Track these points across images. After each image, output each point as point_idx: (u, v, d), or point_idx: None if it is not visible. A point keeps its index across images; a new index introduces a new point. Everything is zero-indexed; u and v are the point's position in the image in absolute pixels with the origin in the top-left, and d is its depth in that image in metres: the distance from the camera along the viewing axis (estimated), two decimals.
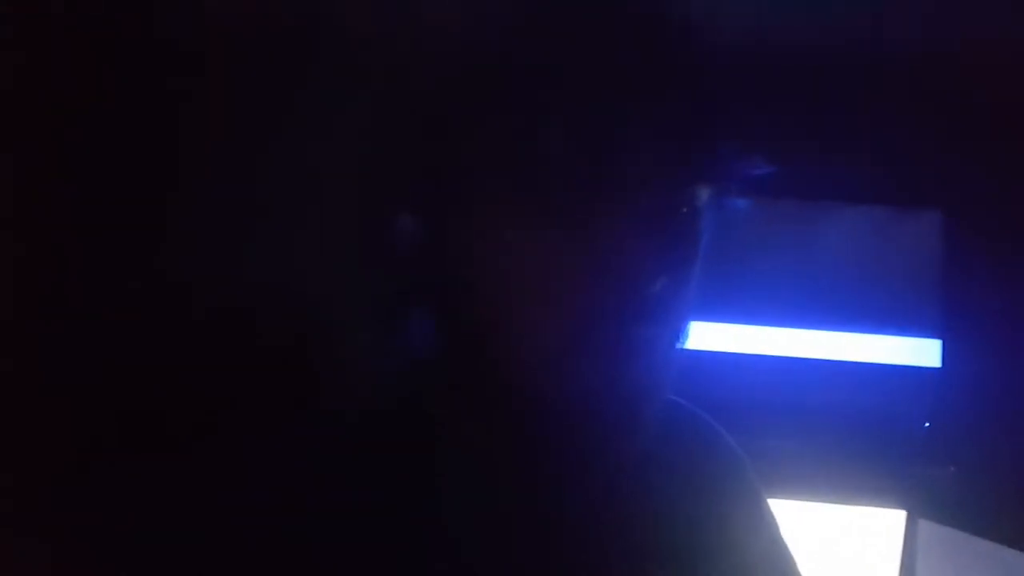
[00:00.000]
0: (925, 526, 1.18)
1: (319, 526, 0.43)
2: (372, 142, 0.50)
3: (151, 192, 0.62)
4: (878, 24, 0.92)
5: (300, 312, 0.63)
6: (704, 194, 0.43)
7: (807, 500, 1.16)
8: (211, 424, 0.57)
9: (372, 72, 0.53)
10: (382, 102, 0.50)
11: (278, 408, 0.55)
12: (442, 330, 0.46)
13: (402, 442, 0.47)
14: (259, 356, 0.62)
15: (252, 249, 0.65)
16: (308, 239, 0.64)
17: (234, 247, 0.65)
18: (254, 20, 0.63)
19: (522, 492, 0.47)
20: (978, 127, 1.07)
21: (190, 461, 0.51)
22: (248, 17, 0.63)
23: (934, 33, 0.94)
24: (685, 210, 0.42)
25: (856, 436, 1.17)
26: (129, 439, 0.60)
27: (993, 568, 1.07)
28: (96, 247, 0.61)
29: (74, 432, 0.59)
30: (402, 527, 0.44)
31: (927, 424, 1.23)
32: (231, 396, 0.60)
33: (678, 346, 0.45)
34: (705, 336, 1.17)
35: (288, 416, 0.52)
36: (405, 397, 0.50)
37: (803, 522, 1.15)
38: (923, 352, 1.21)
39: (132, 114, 0.61)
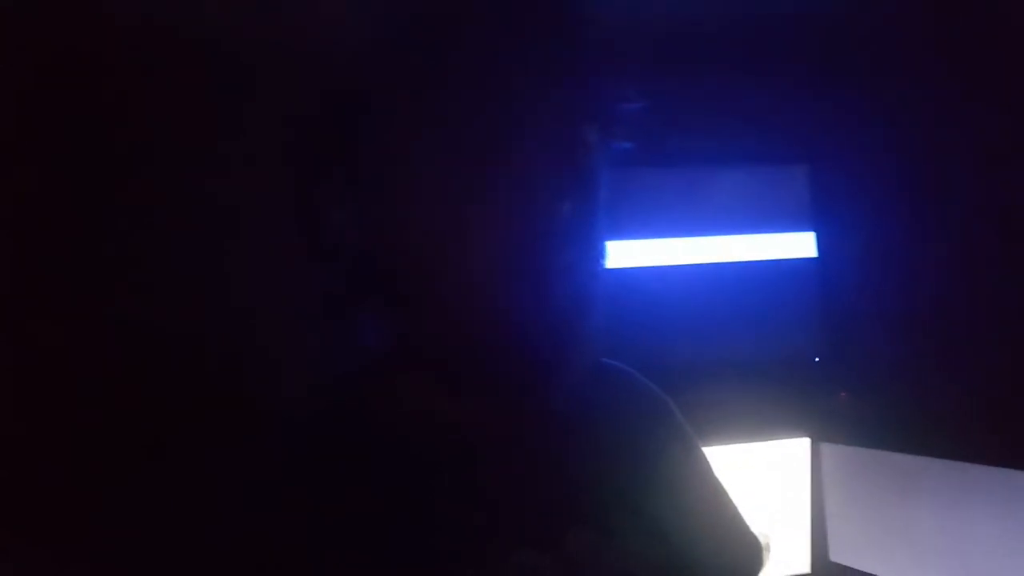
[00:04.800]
0: (827, 448, 1.28)
1: (295, 525, 0.44)
2: (286, 128, 0.51)
3: (87, 199, 0.61)
4: None
5: (243, 319, 0.63)
6: (594, 129, 0.48)
7: (721, 444, 1.25)
8: (174, 434, 0.57)
9: (284, 57, 0.54)
10: (294, 86, 0.51)
11: (235, 415, 0.55)
12: (387, 301, 0.48)
13: (352, 432, 0.49)
14: (209, 364, 0.62)
15: (189, 257, 0.64)
16: (238, 242, 0.64)
17: (171, 255, 0.64)
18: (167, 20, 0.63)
19: (474, 441, 0.49)
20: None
21: (164, 471, 0.51)
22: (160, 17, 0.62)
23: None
24: (580, 143, 0.47)
25: (756, 377, 1.26)
26: (93, 450, 0.58)
27: (890, 473, 1.18)
28: (35, 256, 0.59)
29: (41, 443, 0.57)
30: (370, 513, 0.45)
31: (817, 359, 1.34)
32: (188, 405, 0.60)
33: (598, 274, 0.48)
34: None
35: (248, 422, 0.53)
36: (354, 380, 0.52)
37: (721, 464, 1.22)
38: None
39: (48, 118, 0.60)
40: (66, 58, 0.60)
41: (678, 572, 0.53)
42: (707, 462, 0.64)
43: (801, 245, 1.34)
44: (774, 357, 1.31)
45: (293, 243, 0.61)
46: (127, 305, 0.62)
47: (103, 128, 0.62)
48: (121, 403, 0.60)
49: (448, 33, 0.45)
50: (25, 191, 0.60)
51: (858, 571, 1.24)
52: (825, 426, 1.28)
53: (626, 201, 1.18)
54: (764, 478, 1.28)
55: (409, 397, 0.50)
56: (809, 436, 1.29)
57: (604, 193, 0.49)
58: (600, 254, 0.49)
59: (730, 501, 0.63)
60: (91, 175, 0.63)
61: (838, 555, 1.28)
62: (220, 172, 0.65)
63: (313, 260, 0.53)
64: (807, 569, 1.29)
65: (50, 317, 0.60)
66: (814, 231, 1.34)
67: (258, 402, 0.60)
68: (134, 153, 0.63)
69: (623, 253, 1.27)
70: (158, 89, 0.64)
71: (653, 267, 1.28)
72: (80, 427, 0.59)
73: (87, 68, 0.61)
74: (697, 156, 1.26)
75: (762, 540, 0.66)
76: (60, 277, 0.61)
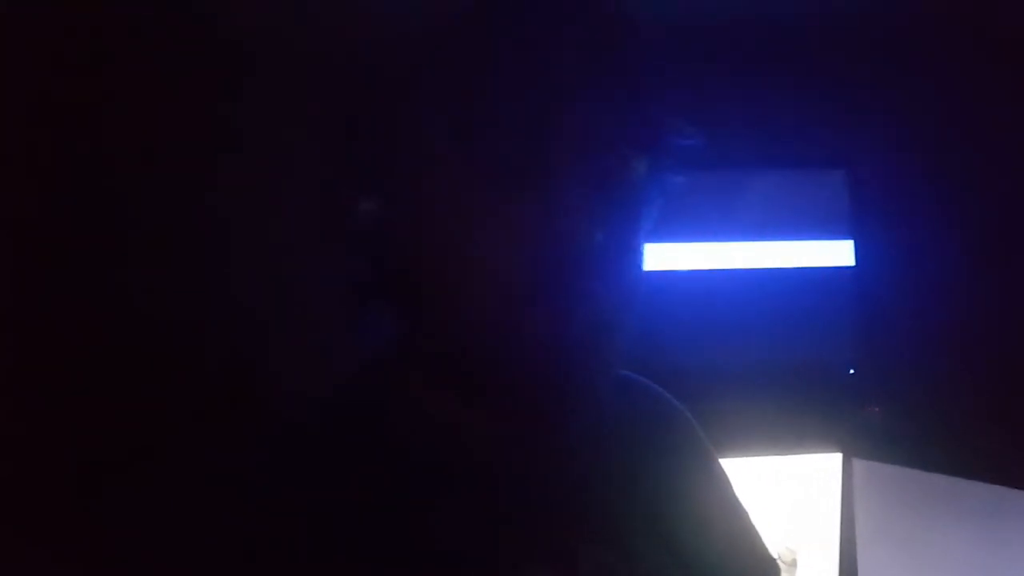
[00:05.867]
0: (859, 464, 1.25)
1: (304, 521, 0.44)
2: (324, 130, 0.51)
3: (89, 195, 0.62)
4: None
5: (261, 318, 0.64)
6: (642, 159, 0.47)
7: (749, 456, 1.22)
8: (180, 431, 0.57)
9: (321, 58, 0.54)
10: (333, 90, 0.51)
11: (247, 410, 0.55)
12: (404, 305, 0.48)
13: (369, 428, 0.48)
14: (222, 363, 0.63)
15: (216, 249, 0.64)
16: (269, 234, 0.64)
17: (197, 248, 0.64)
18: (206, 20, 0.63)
19: (490, 455, 0.49)
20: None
21: (167, 468, 0.51)
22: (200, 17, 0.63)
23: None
24: (625, 172, 0.46)
25: (788, 388, 1.24)
26: (100, 447, 0.59)
27: (924, 494, 1.15)
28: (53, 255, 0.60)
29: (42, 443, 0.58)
30: (379, 511, 0.45)
31: (852, 372, 1.30)
32: (196, 402, 0.60)
33: (630, 305, 0.48)
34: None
35: (261, 421, 0.53)
36: (368, 383, 0.52)
37: (748, 476, 1.20)
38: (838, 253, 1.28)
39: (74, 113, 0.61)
40: (78, 52, 0.61)
41: None
42: (726, 478, 0.63)
43: (838, 253, 1.31)
44: (807, 367, 1.28)
45: (313, 242, 0.61)
46: (136, 301, 0.62)
47: (112, 123, 0.63)
48: (131, 400, 0.61)
49: (493, 41, 0.44)
50: (26, 183, 0.60)
51: None
52: (858, 441, 1.25)
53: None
54: (794, 493, 1.25)
55: (426, 406, 0.50)
56: (841, 451, 1.26)
57: (645, 217, 0.48)
58: (634, 274, 0.48)
59: (747, 519, 0.62)
60: (95, 172, 0.63)
61: (868, 574, 1.25)
62: (233, 169, 0.66)
63: (336, 261, 0.53)
64: None
65: (52, 313, 0.60)
66: (852, 239, 1.31)
67: (271, 402, 0.61)
68: (142, 148, 0.64)
69: (654, 256, 1.26)
70: (172, 82, 0.64)
71: (685, 271, 1.26)
72: (84, 424, 0.60)
73: (104, 62, 0.62)
74: (732, 160, 1.24)
75: (789, 556, 0.65)
76: (62, 273, 0.62)
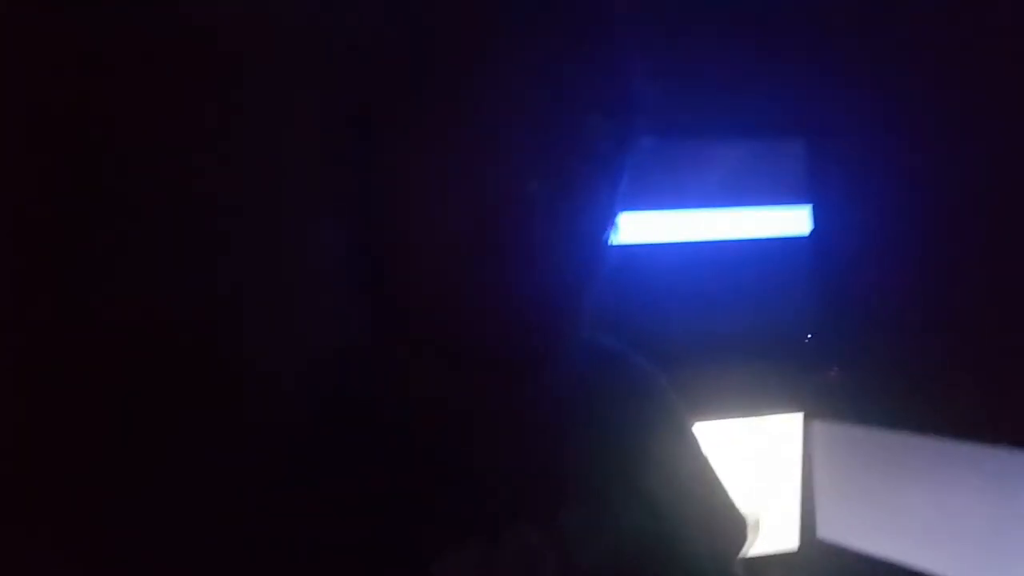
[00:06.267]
0: (818, 425, 1.28)
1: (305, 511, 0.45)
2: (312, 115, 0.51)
3: (86, 194, 0.60)
4: None
5: (245, 301, 0.63)
6: (607, 121, 0.47)
7: (712, 419, 1.24)
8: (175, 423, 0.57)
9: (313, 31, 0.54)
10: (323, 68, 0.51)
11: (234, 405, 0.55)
12: (382, 279, 0.48)
13: (356, 417, 0.49)
14: (208, 349, 0.62)
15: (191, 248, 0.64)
16: (251, 229, 0.64)
17: (172, 247, 0.63)
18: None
19: (470, 415, 0.50)
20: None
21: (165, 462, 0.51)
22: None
23: None
24: (591, 134, 0.46)
25: (750, 353, 1.26)
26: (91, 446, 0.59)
27: (880, 451, 1.18)
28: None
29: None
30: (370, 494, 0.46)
31: (809, 336, 1.33)
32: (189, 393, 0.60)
33: (598, 267, 0.48)
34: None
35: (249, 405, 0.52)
36: (356, 362, 0.52)
37: (711, 439, 1.22)
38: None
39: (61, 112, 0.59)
40: (75, 54, 0.59)
41: (667, 546, 0.54)
42: (697, 440, 0.65)
43: (796, 220, 1.33)
44: (767, 332, 1.30)
45: (297, 227, 0.61)
46: (127, 298, 0.61)
47: (108, 122, 0.62)
48: (123, 397, 0.60)
49: (472, 29, 0.44)
50: (25, 185, 0.59)
51: (846, 548, 1.24)
52: (818, 402, 1.28)
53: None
54: (755, 455, 1.28)
55: (407, 375, 0.51)
56: (802, 411, 1.29)
57: (612, 181, 0.49)
58: (604, 239, 0.49)
59: (718, 478, 0.64)
60: (93, 170, 0.62)
61: (826, 532, 1.28)
62: (225, 163, 0.65)
63: (319, 241, 0.52)
64: (795, 546, 1.29)
65: (49, 313, 0.60)
66: (809, 204, 1.33)
67: (259, 387, 0.60)
68: (136, 147, 0.63)
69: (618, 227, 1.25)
70: (167, 81, 0.63)
71: (644, 244, 1.26)
72: (80, 422, 0.59)
73: (99, 64, 0.61)
74: (692, 129, 1.24)
75: (751, 518, 0.67)
76: (59, 273, 0.61)
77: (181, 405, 0.61)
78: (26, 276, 0.59)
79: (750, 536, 0.66)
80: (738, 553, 0.62)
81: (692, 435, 0.64)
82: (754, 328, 1.29)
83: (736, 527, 0.62)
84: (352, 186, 0.48)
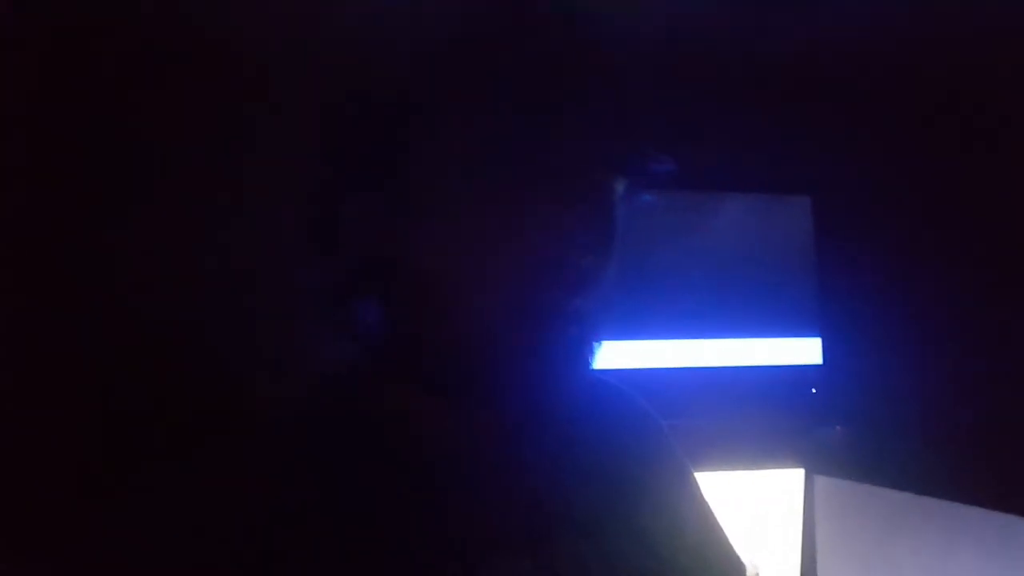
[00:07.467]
0: (821, 481, 1.27)
1: (298, 524, 0.45)
2: (319, 137, 0.52)
3: (88, 197, 0.61)
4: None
5: (240, 318, 0.63)
6: (620, 182, 0.49)
7: (714, 470, 1.23)
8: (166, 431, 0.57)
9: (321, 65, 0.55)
10: (332, 96, 0.52)
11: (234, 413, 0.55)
12: (387, 308, 0.49)
13: (352, 434, 0.50)
14: (202, 364, 0.62)
15: (191, 256, 0.64)
16: (257, 236, 0.64)
17: (173, 254, 0.64)
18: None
19: (465, 450, 0.50)
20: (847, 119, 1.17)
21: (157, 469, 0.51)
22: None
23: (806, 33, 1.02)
24: (607, 196, 0.48)
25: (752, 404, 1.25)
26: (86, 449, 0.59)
27: (883, 510, 1.17)
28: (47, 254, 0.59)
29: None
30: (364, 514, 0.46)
31: (814, 390, 1.32)
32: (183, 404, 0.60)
33: (600, 315, 0.50)
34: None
35: (238, 421, 0.53)
36: (351, 386, 0.53)
37: (712, 491, 1.21)
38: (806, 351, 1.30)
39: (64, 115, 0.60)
40: (84, 57, 0.61)
41: None
42: (697, 483, 0.64)
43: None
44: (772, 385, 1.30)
45: (297, 243, 0.61)
46: (124, 303, 0.62)
47: (112, 127, 0.63)
48: (115, 403, 0.61)
49: (495, 60, 0.46)
50: (27, 188, 0.60)
51: None
52: (820, 459, 1.27)
53: None
54: (756, 509, 1.27)
55: (398, 406, 0.51)
56: (804, 467, 1.28)
57: (617, 238, 0.50)
58: (604, 287, 0.50)
59: (718, 522, 0.64)
60: (97, 174, 0.63)
61: None
62: (229, 173, 0.66)
63: (320, 260, 0.54)
64: None
65: (49, 315, 0.60)
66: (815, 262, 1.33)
67: (248, 401, 0.61)
68: (139, 152, 0.64)
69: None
70: (174, 88, 0.64)
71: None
72: (77, 426, 0.59)
73: (108, 67, 0.62)
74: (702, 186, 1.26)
75: (751, 571, 0.66)
76: (59, 275, 0.62)
77: (170, 419, 0.61)
78: (24, 280, 0.60)
79: None
80: None
81: (692, 478, 0.65)
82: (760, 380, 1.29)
83: (735, 571, 0.62)
84: (376, 210, 0.49)
